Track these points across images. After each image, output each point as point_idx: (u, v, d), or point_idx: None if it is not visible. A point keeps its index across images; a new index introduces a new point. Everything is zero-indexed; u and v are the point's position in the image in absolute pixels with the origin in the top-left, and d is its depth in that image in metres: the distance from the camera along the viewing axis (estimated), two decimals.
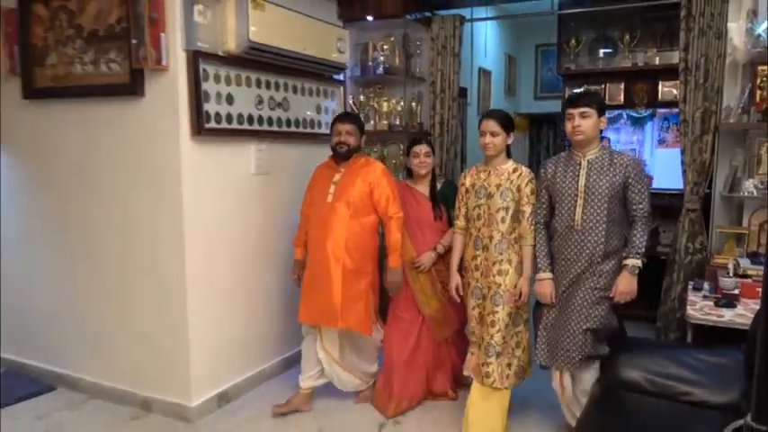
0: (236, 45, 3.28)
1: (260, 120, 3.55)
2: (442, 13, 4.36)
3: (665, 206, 4.73)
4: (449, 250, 3.25)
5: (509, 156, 3.00)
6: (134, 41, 3.03)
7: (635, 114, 5.09)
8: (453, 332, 3.42)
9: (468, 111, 5.36)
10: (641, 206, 2.68)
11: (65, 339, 3.64)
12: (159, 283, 3.26)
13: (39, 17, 3.33)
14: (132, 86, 3.11)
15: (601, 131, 2.74)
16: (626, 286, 2.66)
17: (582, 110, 2.66)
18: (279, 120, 3.70)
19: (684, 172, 3.64)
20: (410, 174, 3.45)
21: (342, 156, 3.26)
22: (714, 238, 3.64)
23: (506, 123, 2.94)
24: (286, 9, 3.51)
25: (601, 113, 2.71)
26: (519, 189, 2.89)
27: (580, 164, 2.72)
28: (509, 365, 2.90)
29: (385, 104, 4.30)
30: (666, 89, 4.95)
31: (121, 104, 3.20)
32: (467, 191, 3.05)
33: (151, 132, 3.17)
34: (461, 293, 3.08)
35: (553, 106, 5.13)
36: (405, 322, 3.35)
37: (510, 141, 2.97)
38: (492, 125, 2.91)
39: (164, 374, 3.30)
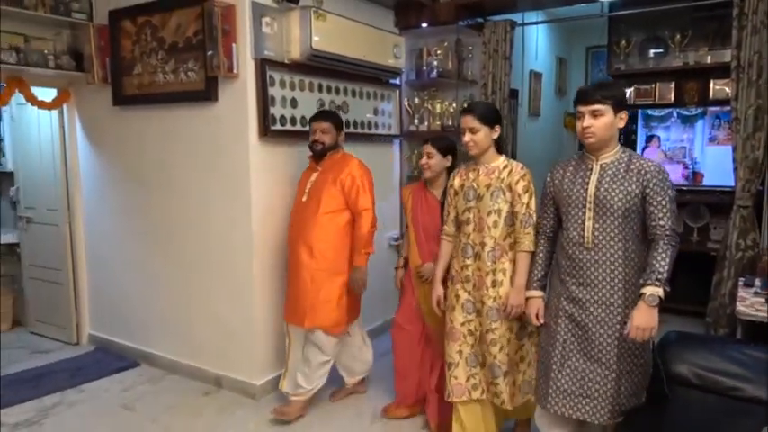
0: (300, 53, 3.32)
1: None
2: (494, 18, 4.25)
3: (716, 203, 4.50)
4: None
5: (500, 151, 2.54)
6: (209, 52, 3.12)
7: (685, 113, 4.85)
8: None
9: (519, 112, 5.27)
10: (662, 223, 2.07)
11: (148, 320, 3.78)
12: (231, 271, 3.34)
13: (127, 32, 3.48)
14: (207, 92, 3.20)
15: (620, 130, 2.18)
16: (643, 320, 2.02)
17: (593, 107, 2.09)
18: None
19: (736, 169, 3.43)
20: None
21: (317, 154, 3.06)
22: (767, 235, 3.42)
23: (487, 116, 2.45)
24: (346, 19, 3.53)
25: (619, 109, 2.11)
26: (510, 188, 2.43)
27: (591, 168, 2.18)
28: (514, 383, 2.51)
29: (438, 106, 4.25)
30: (718, 87, 4.69)
31: (197, 109, 3.31)
32: (456, 193, 2.58)
33: (223, 134, 3.25)
34: (442, 307, 2.66)
35: None
36: (408, 333, 2.99)
37: (496, 135, 2.48)
38: (469, 121, 2.44)
39: (234, 354, 3.39)
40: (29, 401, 3.25)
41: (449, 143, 2.93)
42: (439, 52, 4.20)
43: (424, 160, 2.88)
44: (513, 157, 4.48)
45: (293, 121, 3.39)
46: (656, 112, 4.92)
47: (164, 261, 3.65)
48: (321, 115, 3.11)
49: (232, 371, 3.41)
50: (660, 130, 4.93)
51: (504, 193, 2.43)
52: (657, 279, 2.03)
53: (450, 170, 2.87)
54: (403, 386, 3.06)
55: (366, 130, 3.95)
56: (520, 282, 2.40)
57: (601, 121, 2.09)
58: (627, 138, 4.89)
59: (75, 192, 4.09)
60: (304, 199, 3.05)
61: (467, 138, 2.45)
